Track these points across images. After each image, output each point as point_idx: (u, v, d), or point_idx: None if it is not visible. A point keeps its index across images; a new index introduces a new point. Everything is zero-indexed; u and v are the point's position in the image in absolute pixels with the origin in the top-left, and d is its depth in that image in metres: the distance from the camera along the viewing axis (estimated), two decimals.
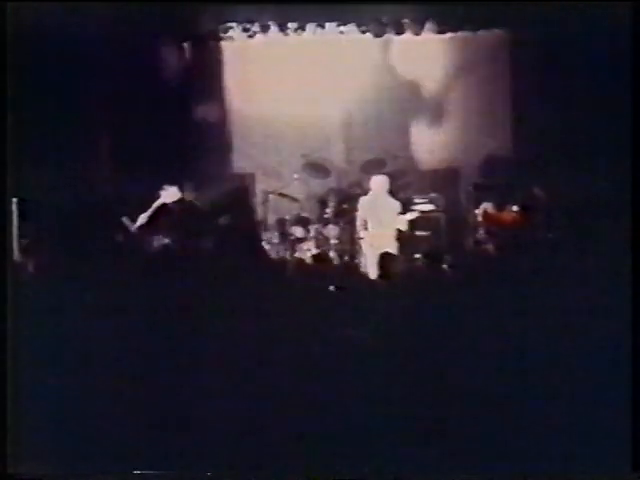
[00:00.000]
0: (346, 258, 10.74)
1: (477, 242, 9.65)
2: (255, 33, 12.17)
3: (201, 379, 4.28)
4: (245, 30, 12.14)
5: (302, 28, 12.10)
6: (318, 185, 11.75)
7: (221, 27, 12.01)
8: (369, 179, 10.70)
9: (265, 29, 12.10)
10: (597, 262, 5.28)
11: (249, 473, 4.03)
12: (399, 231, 10.20)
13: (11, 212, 5.40)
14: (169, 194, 9.71)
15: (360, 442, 4.02)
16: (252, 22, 12.06)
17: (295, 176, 11.55)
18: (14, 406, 4.28)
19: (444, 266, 5.57)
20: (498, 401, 4.11)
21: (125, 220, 10.29)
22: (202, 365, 4.31)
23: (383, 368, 4.29)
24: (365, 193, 10.69)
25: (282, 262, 10.68)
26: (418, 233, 10.65)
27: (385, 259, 9.16)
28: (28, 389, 4.31)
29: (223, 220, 9.47)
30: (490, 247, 9.23)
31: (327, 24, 12.07)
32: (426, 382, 4.21)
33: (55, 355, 4.40)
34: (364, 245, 10.43)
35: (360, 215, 10.59)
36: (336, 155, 12.16)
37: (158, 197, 9.80)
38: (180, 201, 8.61)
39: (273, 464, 4.00)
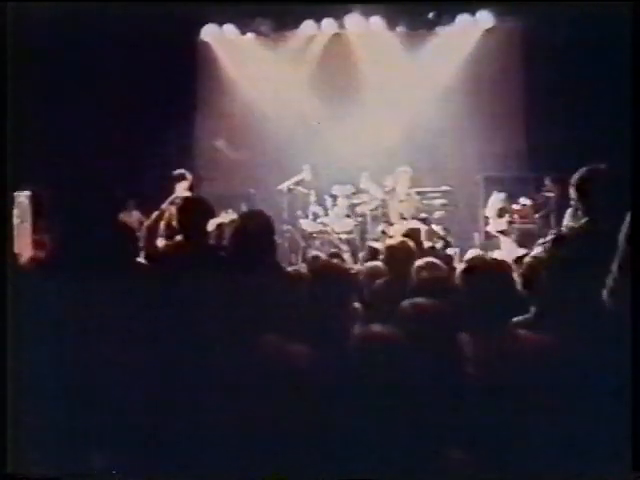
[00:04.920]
0: (360, 254, 10.74)
1: (488, 235, 9.65)
2: (265, 32, 12.25)
3: (209, 379, 4.23)
4: (256, 28, 12.22)
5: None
6: (332, 179, 11.74)
7: (230, 24, 12.08)
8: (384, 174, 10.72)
9: (274, 28, 12.19)
10: (606, 260, 5.21)
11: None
12: (415, 226, 10.19)
13: (12, 207, 5.38)
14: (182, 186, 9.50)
15: (380, 443, 4.00)
16: (265, 20, 12.13)
17: (308, 170, 11.54)
18: (14, 406, 4.29)
19: (457, 264, 5.56)
20: (497, 400, 4.07)
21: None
22: (212, 365, 4.25)
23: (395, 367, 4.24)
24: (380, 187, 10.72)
25: (295, 256, 10.68)
26: (433, 227, 10.65)
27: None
28: (29, 388, 4.31)
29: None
30: (501, 239, 9.23)
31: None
32: (429, 383, 4.17)
33: (56, 354, 4.39)
34: (381, 239, 10.43)
35: (374, 210, 10.61)
36: (350, 150, 12.17)
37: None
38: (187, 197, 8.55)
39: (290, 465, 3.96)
